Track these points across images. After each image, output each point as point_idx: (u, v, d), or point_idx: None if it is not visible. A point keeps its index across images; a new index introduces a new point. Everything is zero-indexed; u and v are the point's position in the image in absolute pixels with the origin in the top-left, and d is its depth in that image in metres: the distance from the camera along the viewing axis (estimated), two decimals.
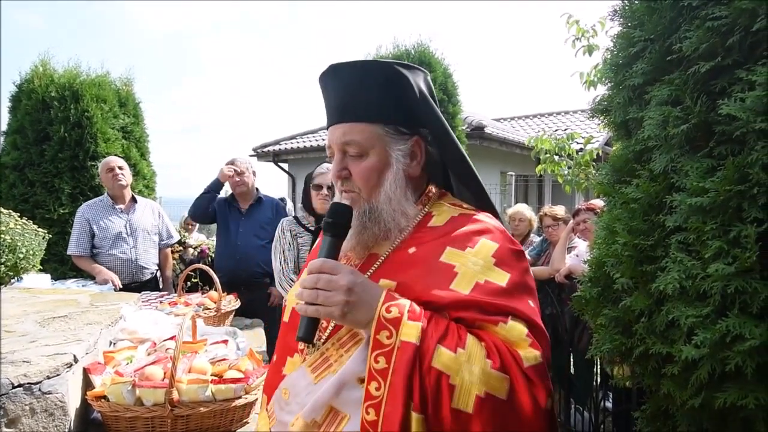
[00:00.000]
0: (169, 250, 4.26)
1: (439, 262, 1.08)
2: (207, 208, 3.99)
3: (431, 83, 1.22)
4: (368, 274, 1.13)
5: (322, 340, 1.13)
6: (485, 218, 1.17)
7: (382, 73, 1.14)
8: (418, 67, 1.19)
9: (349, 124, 1.14)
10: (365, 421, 0.96)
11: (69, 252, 3.75)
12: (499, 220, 1.21)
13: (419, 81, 1.16)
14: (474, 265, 1.06)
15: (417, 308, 1.01)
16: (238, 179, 3.97)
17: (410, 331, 0.97)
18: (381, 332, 0.98)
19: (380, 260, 1.15)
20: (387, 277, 1.10)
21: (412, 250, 1.12)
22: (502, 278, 1.05)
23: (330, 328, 1.13)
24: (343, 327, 1.10)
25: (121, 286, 3.52)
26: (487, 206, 1.23)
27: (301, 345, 1.15)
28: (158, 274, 4.09)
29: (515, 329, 1.00)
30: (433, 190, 1.26)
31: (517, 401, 0.95)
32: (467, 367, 0.94)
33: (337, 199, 1.19)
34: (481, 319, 1.02)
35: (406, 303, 1.01)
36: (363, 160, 1.13)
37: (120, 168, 3.86)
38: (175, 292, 3.46)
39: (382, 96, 1.13)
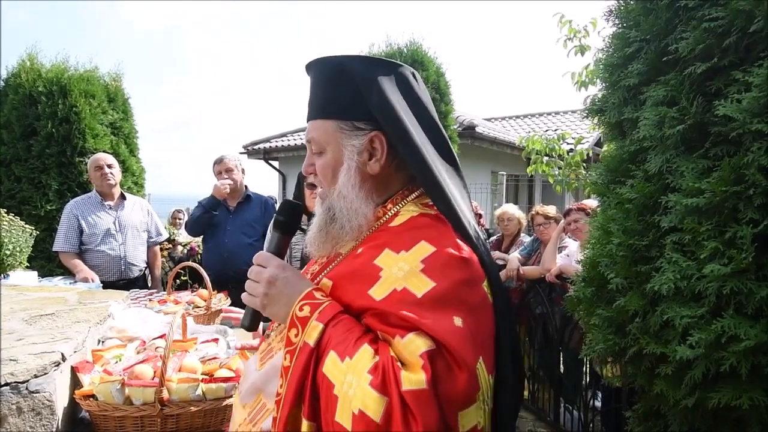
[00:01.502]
0: (158, 247, 4.22)
1: (371, 264, 0.99)
2: (206, 227, 3.99)
3: (409, 77, 1.13)
4: (325, 272, 1.11)
5: (273, 330, 1.15)
6: (441, 221, 1.04)
7: (336, 68, 1.10)
8: (395, 62, 1.13)
9: (312, 122, 1.13)
10: (274, 418, 0.96)
11: (56, 248, 3.69)
12: (465, 236, 1.03)
13: (377, 74, 1.07)
14: (399, 271, 0.95)
15: (332, 310, 0.96)
16: (226, 176, 3.94)
17: (312, 332, 0.94)
18: (291, 329, 0.97)
19: (339, 259, 1.11)
20: (330, 275, 1.07)
21: (360, 250, 1.06)
22: (422, 287, 0.92)
23: None
24: None
25: (100, 284, 3.47)
26: (453, 222, 1.05)
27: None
28: (147, 271, 4.05)
29: (412, 345, 0.87)
30: (417, 189, 1.13)
31: (391, 428, 0.83)
32: (348, 379, 0.87)
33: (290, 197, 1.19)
34: (382, 330, 0.92)
35: (323, 303, 0.98)
36: (321, 157, 1.11)
37: (109, 166, 3.81)
38: (165, 290, 3.42)
39: (337, 91, 1.10)
